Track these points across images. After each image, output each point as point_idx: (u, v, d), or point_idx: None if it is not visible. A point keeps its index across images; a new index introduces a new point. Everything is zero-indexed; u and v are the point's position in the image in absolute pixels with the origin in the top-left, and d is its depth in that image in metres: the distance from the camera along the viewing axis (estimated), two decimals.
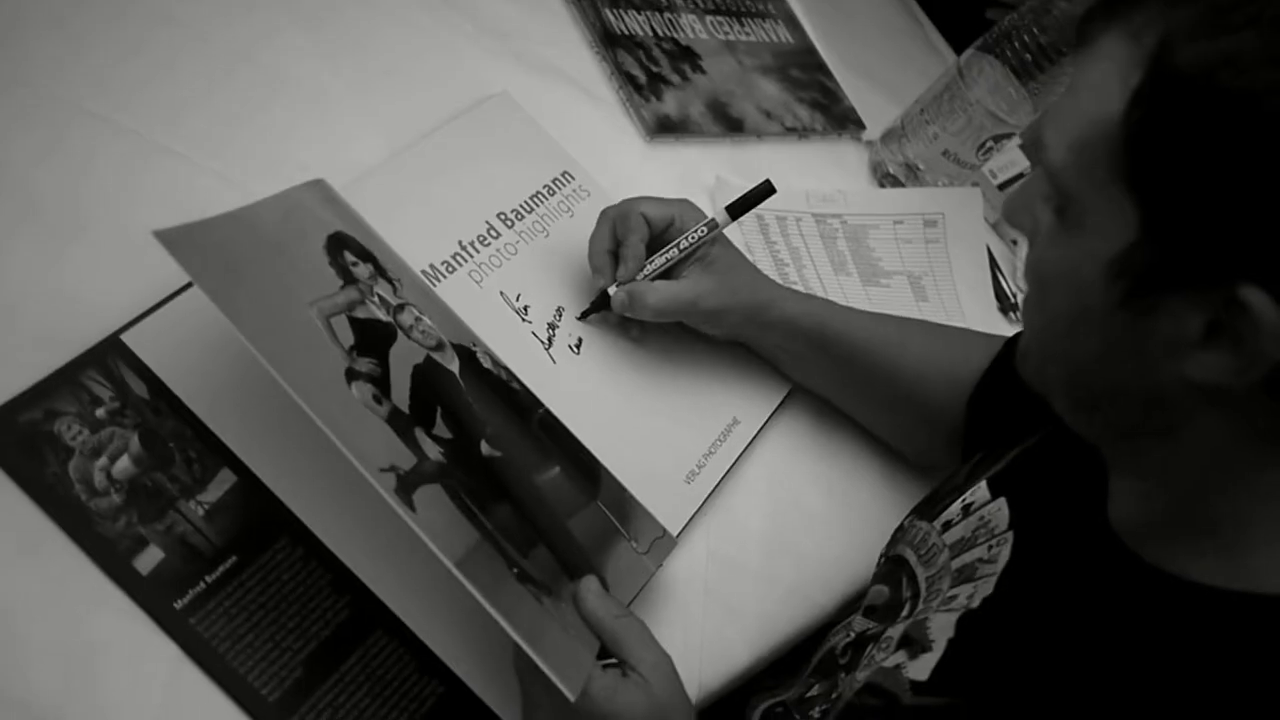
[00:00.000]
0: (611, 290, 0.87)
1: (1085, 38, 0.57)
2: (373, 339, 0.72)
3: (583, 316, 0.90)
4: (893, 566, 0.82)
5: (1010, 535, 0.73)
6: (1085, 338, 0.59)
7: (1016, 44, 1.09)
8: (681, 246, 0.86)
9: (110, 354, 0.70)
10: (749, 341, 0.94)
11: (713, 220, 0.87)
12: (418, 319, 0.76)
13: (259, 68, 0.88)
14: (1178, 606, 0.60)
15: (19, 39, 0.79)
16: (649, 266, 0.87)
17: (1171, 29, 0.51)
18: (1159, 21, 0.52)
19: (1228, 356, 0.52)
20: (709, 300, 0.88)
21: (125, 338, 0.71)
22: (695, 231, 0.86)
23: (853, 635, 0.82)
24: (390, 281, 0.76)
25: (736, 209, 0.87)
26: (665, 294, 0.87)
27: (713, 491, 0.87)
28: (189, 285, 0.73)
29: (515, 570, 0.68)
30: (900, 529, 0.86)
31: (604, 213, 0.89)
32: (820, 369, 0.95)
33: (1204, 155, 0.50)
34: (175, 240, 0.62)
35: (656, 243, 0.88)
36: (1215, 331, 0.52)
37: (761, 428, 0.93)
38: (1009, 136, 1.16)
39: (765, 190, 0.86)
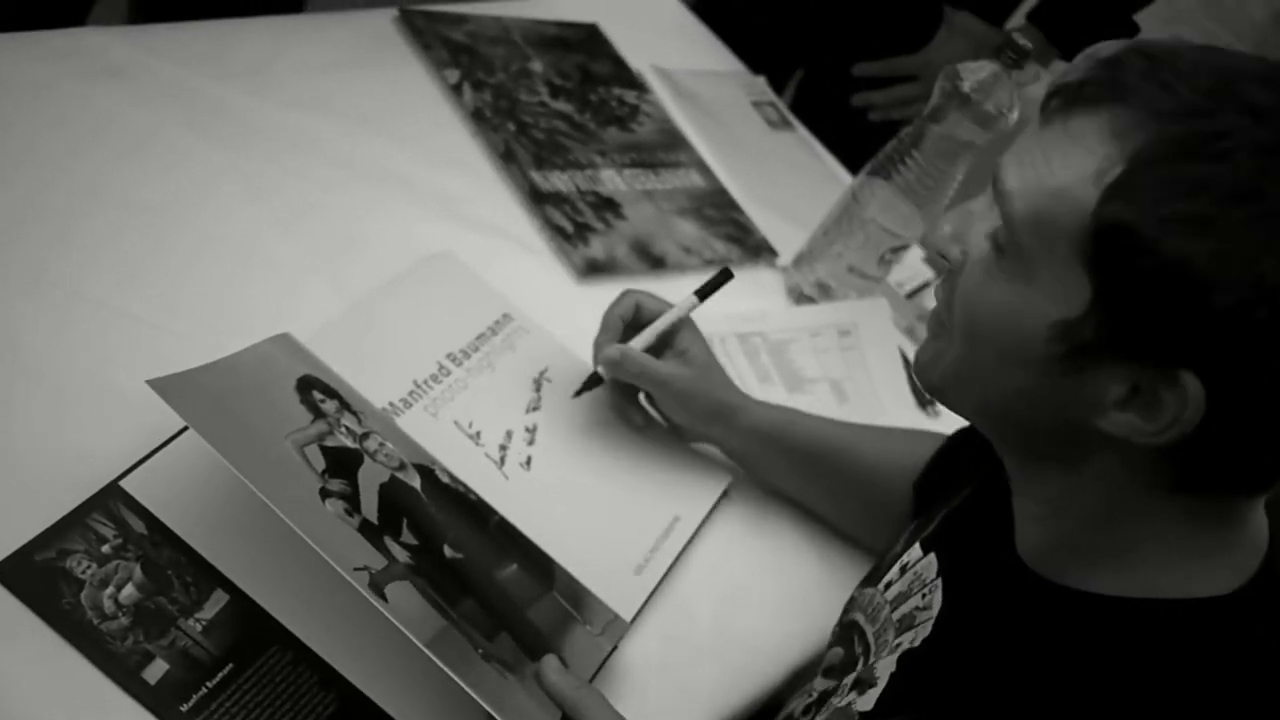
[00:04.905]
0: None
1: (1052, 113, 0.63)
2: (342, 463, 0.82)
3: (577, 394, 1.02)
4: (846, 631, 0.91)
5: (939, 582, 0.81)
6: (1010, 375, 0.66)
7: (900, 166, 1.24)
8: (658, 329, 1.01)
9: (111, 498, 0.79)
10: (717, 442, 1.05)
11: (683, 302, 1.02)
12: (381, 444, 0.86)
13: (225, 245, 1.01)
14: (1080, 614, 0.68)
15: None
16: (636, 341, 1.00)
17: (1153, 145, 0.57)
18: (1146, 127, 0.57)
19: (1139, 419, 0.60)
20: (679, 383, 1.00)
21: (124, 484, 0.80)
22: (668, 314, 1.01)
23: (814, 695, 0.90)
24: (355, 414, 0.87)
25: (703, 292, 1.03)
26: (645, 361, 0.99)
27: (661, 580, 0.97)
28: (175, 436, 0.84)
29: (480, 651, 0.77)
30: (851, 599, 0.95)
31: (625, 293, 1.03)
32: (782, 469, 1.06)
33: (1169, 275, 0.56)
34: (167, 388, 0.73)
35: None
36: (1133, 395, 0.60)
37: (701, 524, 1.03)
38: (905, 248, 1.29)
39: (725, 275, 1.03)
